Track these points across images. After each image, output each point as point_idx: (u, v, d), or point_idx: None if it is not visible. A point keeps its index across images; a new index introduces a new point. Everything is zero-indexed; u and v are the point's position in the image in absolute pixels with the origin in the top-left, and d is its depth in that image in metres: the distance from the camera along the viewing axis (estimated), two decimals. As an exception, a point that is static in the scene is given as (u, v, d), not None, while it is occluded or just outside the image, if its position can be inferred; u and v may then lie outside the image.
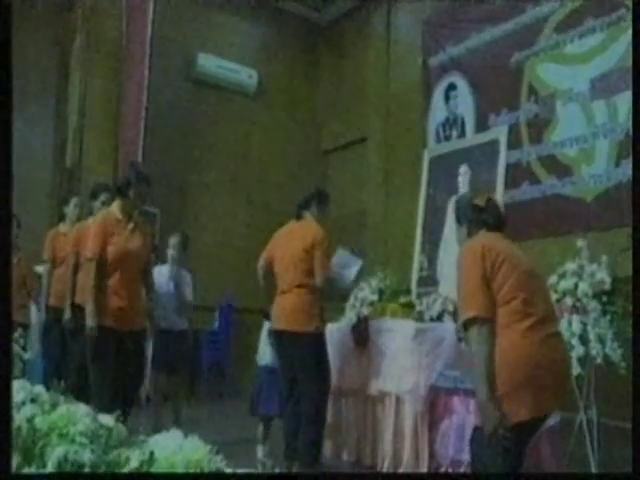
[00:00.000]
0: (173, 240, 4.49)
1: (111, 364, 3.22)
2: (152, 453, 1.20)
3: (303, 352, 3.40)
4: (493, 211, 2.39)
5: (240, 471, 1.17)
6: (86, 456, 1.17)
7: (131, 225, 3.39)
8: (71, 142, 6.89)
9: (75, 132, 6.82)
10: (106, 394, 3.15)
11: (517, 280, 2.10)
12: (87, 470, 1.13)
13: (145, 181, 3.45)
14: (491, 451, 2.01)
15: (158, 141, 6.63)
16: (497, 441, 1.96)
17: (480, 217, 2.36)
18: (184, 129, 7.12)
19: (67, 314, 4.24)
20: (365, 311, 3.98)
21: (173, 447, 1.23)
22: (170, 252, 4.46)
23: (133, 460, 1.18)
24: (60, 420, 1.24)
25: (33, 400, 1.38)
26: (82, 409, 1.29)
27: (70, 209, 4.83)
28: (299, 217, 3.65)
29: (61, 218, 4.95)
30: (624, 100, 4.88)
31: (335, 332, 4.04)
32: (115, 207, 3.43)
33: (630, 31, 4.86)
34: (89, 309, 3.19)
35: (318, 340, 3.45)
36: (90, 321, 3.17)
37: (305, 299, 3.43)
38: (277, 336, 3.54)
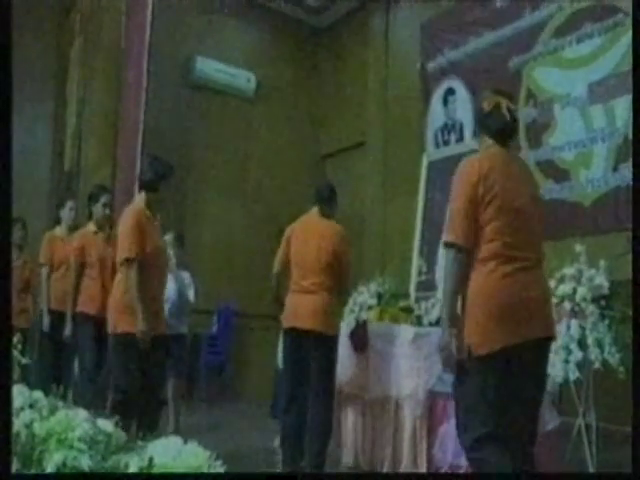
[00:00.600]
0: (168, 237, 4.40)
1: (150, 372, 3.13)
2: (151, 459, 1.20)
3: (323, 354, 3.36)
4: (498, 118, 2.21)
5: (240, 471, 1.17)
6: (85, 462, 1.17)
7: (156, 222, 3.26)
8: (69, 146, 6.89)
9: (74, 136, 6.82)
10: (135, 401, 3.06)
11: (505, 220, 2.08)
12: (85, 476, 1.13)
13: (173, 172, 3.35)
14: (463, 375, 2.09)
15: (157, 145, 6.62)
16: (449, 363, 2.13)
17: (483, 122, 2.25)
18: (182, 133, 7.12)
19: (68, 327, 4.13)
20: (364, 315, 3.98)
21: (172, 453, 1.23)
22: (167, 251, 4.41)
23: (132, 466, 1.18)
24: (58, 425, 1.24)
25: (31, 405, 1.38)
26: (81, 414, 1.29)
27: (65, 212, 4.77)
28: (326, 215, 3.54)
29: (57, 221, 4.88)
30: (622, 105, 4.89)
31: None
32: (142, 203, 3.21)
33: (628, 35, 4.88)
34: (140, 314, 2.97)
35: (336, 343, 3.46)
36: (142, 326, 2.97)
37: (332, 301, 3.40)
38: (294, 335, 3.41)
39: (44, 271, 4.63)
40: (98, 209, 4.16)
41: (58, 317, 4.43)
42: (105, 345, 3.93)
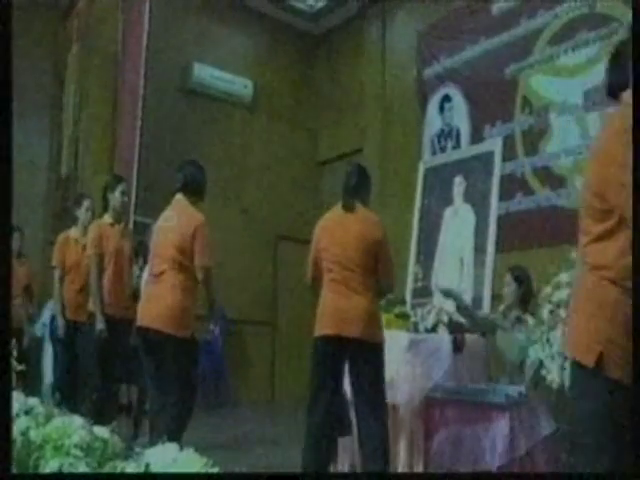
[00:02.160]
0: None
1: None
2: (147, 466, 1.20)
3: (375, 365, 2.99)
4: None
5: (240, 471, 1.17)
6: (81, 469, 1.17)
7: None
8: (67, 152, 6.89)
9: (71, 142, 6.82)
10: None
11: None
12: (85, 476, 1.13)
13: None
14: None
15: (153, 151, 6.64)
16: None
17: None
18: (179, 139, 7.13)
19: (100, 323, 3.76)
20: (360, 322, 3.97)
21: (169, 460, 1.23)
22: None
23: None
24: (55, 432, 1.24)
25: (27, 412, 1.37)
26: (77, 421, 1.28)
27: (82, 212, 4.47)
28: (349, 208, 3.08)
29: (72, 222, 4.61)
30: (617, 112, 4.92)
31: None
32: (196, 209, 3.32)
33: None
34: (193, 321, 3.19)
35: (383, 352, 3.07)
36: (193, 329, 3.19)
37: (377, 305, 3.05)
38: (335, 344, 2.96)
39: (57, 274, 4.37)
40: (116, 197, 3.99)
41: (72, 326, 4.24)
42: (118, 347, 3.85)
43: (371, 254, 2.97)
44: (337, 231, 3.04)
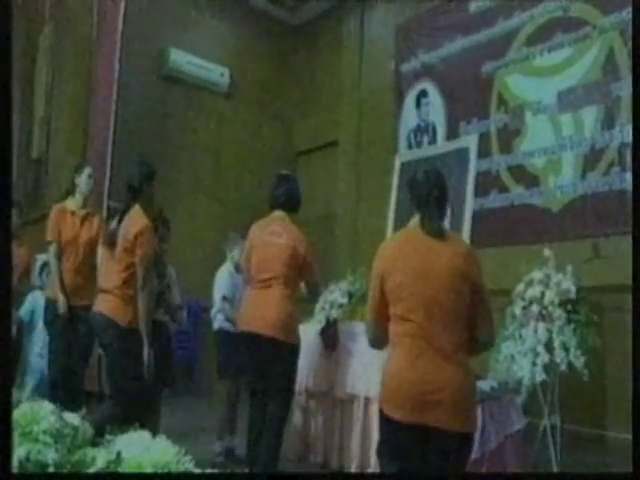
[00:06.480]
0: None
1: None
2: (119, 453, 1.17)
3: (462, 460, 2.10)
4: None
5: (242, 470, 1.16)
6: (50, 456, 1.13)
7: None
8: (38, 133, 6.72)
9: (42, 123, 6.66)
10: None
11: None
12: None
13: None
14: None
15: (128, 136, 6.52)
16: None
17: None
18: (154, 125, 7.01)
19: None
20: (334, 314, 3.97)
21: (140, 448, 1.20)
22: None
23: (99, 460, 1.15)
24: (23, 418, 1.20)
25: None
26: (46, 407, 1.24)
27: (83, 180, 3.96)
28: (439, 234, 2.11)
29: (68, 193, 4.07)
30: (590, 114, 4.99)
31: (304, 334, 4.02)
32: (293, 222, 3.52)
33: (596, 47, 4.99)
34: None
35: (473, 444, 2.25)
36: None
37: (473, 378, 2.15)
38: (417, 435, 2.01)
39: (52, 249, 3.90)
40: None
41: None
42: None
43: (468, 298, 2.03)
44: (422, 262, 2.05)
